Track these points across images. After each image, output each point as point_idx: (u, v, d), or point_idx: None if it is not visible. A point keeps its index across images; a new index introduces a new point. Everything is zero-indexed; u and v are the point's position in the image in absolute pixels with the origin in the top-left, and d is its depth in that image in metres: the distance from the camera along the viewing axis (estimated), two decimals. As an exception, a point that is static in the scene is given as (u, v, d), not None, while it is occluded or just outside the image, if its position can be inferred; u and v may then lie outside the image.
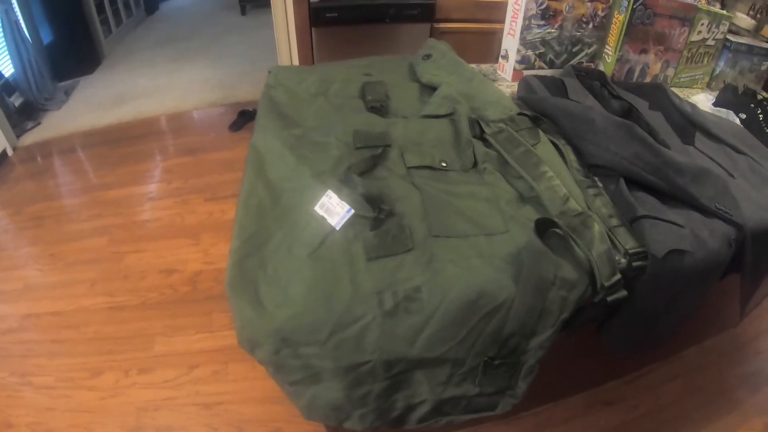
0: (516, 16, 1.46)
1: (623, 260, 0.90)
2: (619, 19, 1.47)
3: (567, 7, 1.46)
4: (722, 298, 1.51)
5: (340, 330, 0.74)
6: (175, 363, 1.95)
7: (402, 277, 0.77)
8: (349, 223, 0.82)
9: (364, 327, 0.74)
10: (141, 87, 4.31)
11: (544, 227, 0.88)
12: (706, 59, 1.65)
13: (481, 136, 1.05)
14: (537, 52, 1.51)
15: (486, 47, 2.31)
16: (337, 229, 0.82)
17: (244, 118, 3.53)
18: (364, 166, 0.92)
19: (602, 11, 1.51)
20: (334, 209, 0.83)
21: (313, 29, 2.55)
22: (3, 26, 3.72)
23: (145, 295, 2.25)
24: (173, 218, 2.72)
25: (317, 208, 0.84)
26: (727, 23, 1.60)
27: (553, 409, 1.69)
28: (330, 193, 0.85)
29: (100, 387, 1.92)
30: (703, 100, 1.55)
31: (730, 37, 1.63)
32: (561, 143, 1.10)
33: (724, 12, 1.59)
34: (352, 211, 0.82)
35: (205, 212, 2.74)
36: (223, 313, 2.11)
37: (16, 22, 3.82)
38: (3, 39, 3.80)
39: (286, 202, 0.89)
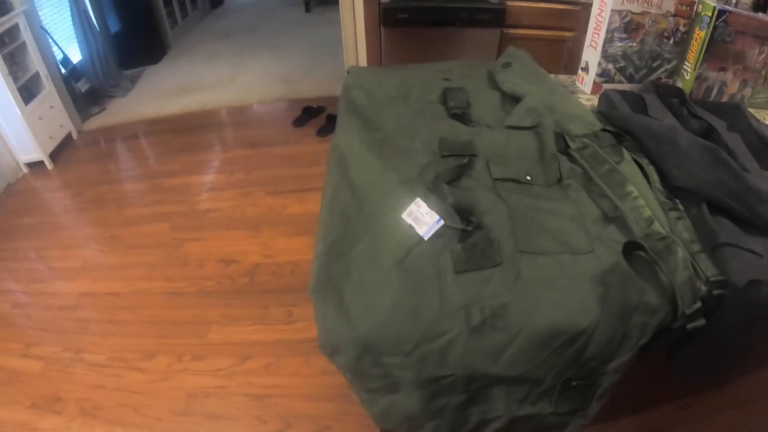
0: (599, 28, 1.43)
1: (704, 288, 0.87)
2: (700, 36, 1.43)
3: (649, 21, 1.43)
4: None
5: (425, 343, 0.74)
6: (228, 352, 1.97)
7: (489, 293, 0.76)
8: (437, 234, 0.81)
9: (450, 341, 0.73)
10: (205, 78, 4.40)
11: (630, 250, 0.86)
12: (783, 80, 1.59)
13: (566, 151, 1.03)
14: (618, 65, 1.48)
15: (555, 55, 2.28)
16: (425, 239, 0.81)
17: (308, 114, 3.55)
18: (451, 175, 0.92)
19: (684, 26, 1.47)
20: (422, 218, 0.82)
21: (382, 29, 2.55)
22: (72, 14, 3.86)
23: (203, 283, 2.29)
24: (234, 209, 2.76)
25: (405, 216, 0.84)
26: (807, 45, 1.54)
27: (605, 430, 1.65)
28: (419, 201, 0.84)
29: (151, 369, 1.96)
30: (782, 123, 1.49)
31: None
32: (644, 162, 1.07)
33: (805, 33, 1.53)
34: (442, 221, 0.81)
35: (266, 205, 2.76)
36: (280, 307, 2.13)
37: (85, 11, 3.96)
38: (72, 27, 3.94)
39: (372, 208, 0.89)
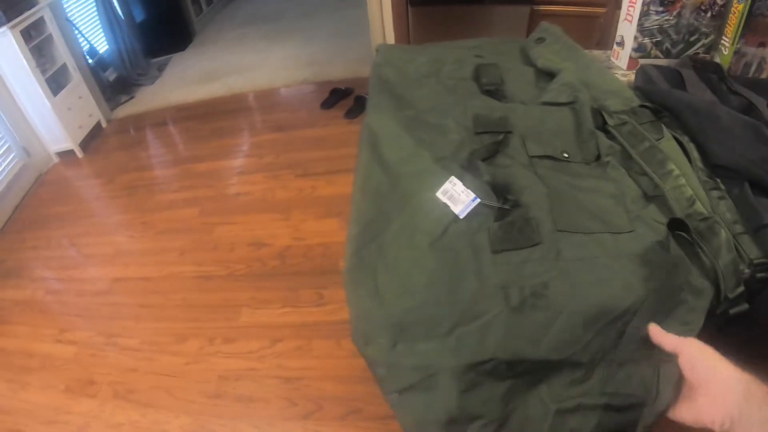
0: (634, 1, 1.39)
1: (747, 270, 0.84)
2: (738, 9, 1.37)
3: (687, -7, 1.38)
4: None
5: (463, 324, 0.71)
6: (259, 335, 1.99)
7: (528, 273, 0.73)
8: (473, 213, 0.79)
9: (489, 322, 0.71)
10: (232, 64, 4.41)
11: (672, 229, 0.83)
12: (823, 56, 1.52)
13: (603, 128, 1.00)
14: (654, 40, 1.43)
15: (587, 31, 2.22)
16: (461, 217, 0.79)
17: (335, 96, 3.53)
18: (486, 152, 0.89)
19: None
20: (458, 197, 0.80)
21: (410, 8, 2.52)
22: (97, 5, 3.90)
23: (234, 266, 2.31)
24: (264, 193, 2.77)
25: (439, 195, 0.82)
26: None
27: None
28: (454, 179, 0.82)
29: (184, 352, 1.99)
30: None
31: None
32: (684, 140, 1.03)
33: None
34: (478, 199, 0.79)
35: (296, 188, 2.77)
36: (310, 289, 2.14)
37: (110, 1, 3.99)
38: (97, 17, 3.98)
39: (406, 187, 0.87)
